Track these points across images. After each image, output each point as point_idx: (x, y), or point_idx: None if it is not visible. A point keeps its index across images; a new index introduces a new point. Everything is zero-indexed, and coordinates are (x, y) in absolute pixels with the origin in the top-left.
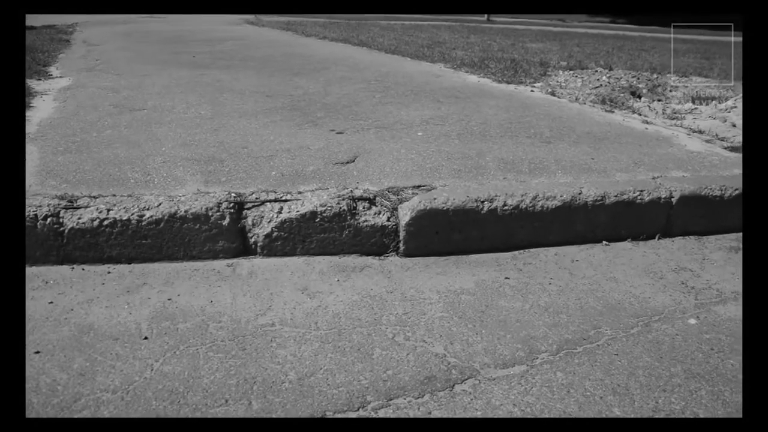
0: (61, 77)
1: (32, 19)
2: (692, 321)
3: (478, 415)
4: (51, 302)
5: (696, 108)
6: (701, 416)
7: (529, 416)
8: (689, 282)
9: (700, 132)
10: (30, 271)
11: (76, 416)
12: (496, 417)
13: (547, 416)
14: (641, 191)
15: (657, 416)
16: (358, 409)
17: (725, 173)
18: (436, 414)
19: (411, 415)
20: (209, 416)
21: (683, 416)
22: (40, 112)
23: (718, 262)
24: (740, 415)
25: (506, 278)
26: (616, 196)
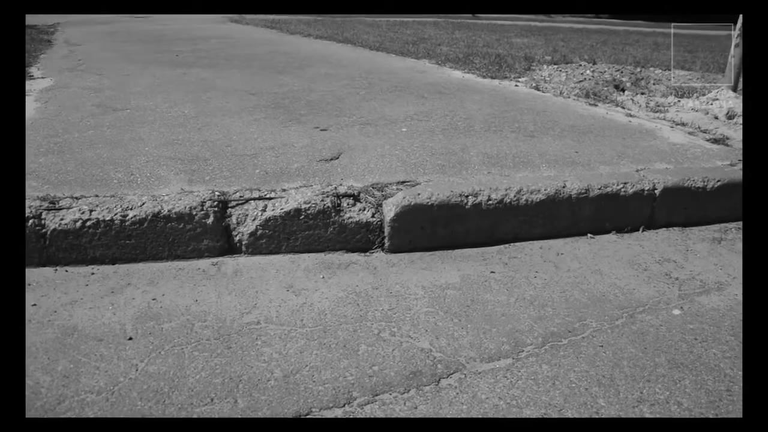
0: (42, 78)
1: None
2: (676, 312)
3: (464, 408)
4: (34, 304)
5: (679, 101)
6: (685, 404)
7: (514, 408)
8: (673, 273)
9: (683, 124)
10: None
11: (75, 417)
12: (482, 417)
13: (532, 408)
14: (625, 183)
15: (642, 406)
16: (343, 406)
17: (707, 165)
18: (422, 409)
19: (397, 410)
20: (195, 415)
21: (667, 405)
22: None
23: (702, 252)
24: (722, 402)
25: (492, 272)
26: (600, 188)
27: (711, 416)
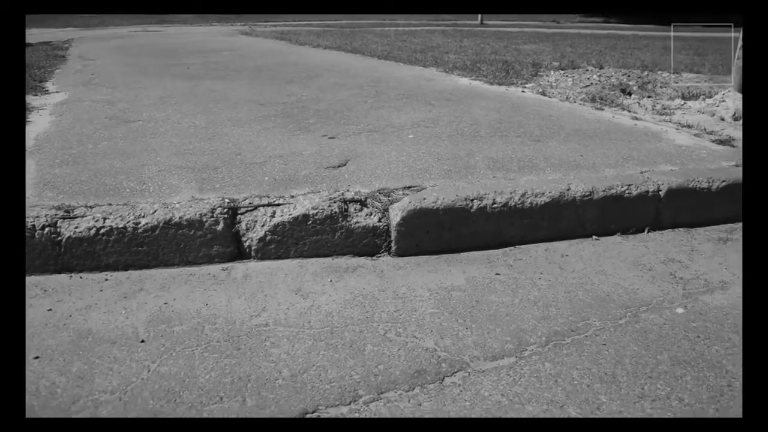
0: (57, 92)
1: (28, 36)
2: (680, 310)
3: (467, 405)
4: (50, 309)
5: (685, 103)
6: (686, 400)
7: (516, 405)
8: (678, 273)
9: (689, 126)
10: (28, 280)
11: (74, 417)
12: (484, 417)
13: (534, 405)
14: (629, 185)
15: (643, 402)
16: (349, 403)
17: (713, 166)
18: (426, 406)
19: (402, 408)
20: (205, 413)
21: (668, 401)
22: (36, 127)
23: (707, 253)
24: (723, 397)
25: (497, 274)
26: (604, 191)
27: (712, 411)
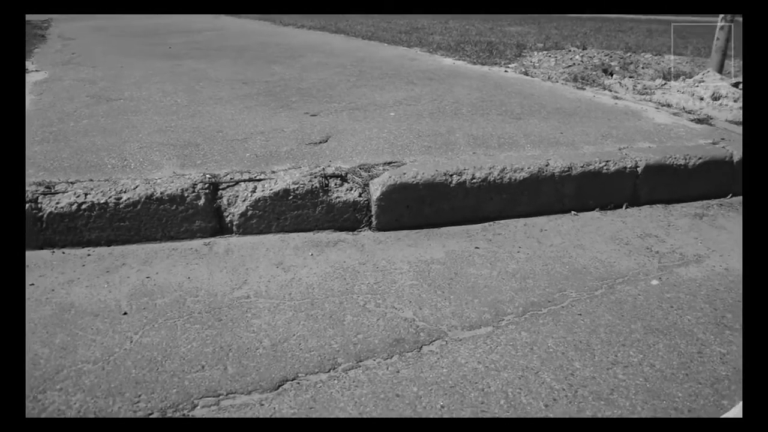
0: (36, 71)
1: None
2: (654, 282)
3: (444, 372)
4: (32, 284)
5: (666, 84)
6: (657, 366)
7: (492, 371)
8: (654, 247)
9: (668, 106)
10: None
11: (58, 386)
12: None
13: (510, 371)
14: (607, 162)
15: (615, 368)
16: (329, 371)
17: (690, 144)
18: (404, 372)
19: (380, 375)
20: (186, 381)
21: (640, 367)
22: None
23: (683, 228)
24: (693, 363)
25: (476, 248)
26: (582, 166)
27: (681, 375)
